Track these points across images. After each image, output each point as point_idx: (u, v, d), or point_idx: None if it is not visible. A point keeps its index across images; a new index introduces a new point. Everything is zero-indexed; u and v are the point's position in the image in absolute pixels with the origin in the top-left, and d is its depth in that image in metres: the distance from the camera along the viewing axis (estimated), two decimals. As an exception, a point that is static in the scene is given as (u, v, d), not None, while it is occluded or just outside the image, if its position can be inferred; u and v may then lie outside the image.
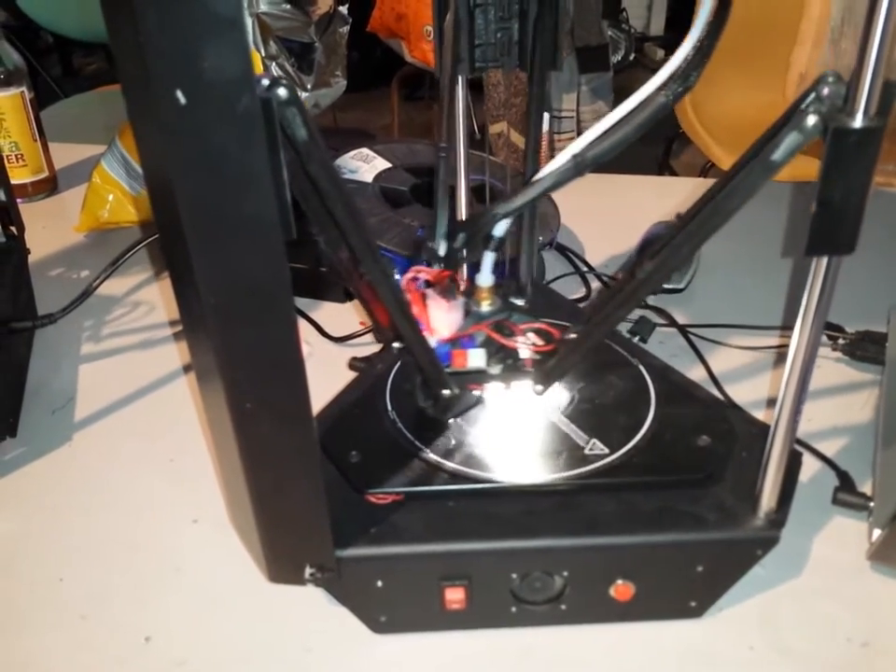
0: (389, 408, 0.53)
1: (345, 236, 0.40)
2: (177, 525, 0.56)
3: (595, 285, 0.80)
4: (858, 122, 0.34)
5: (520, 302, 0.61)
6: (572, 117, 2.52)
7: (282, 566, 0.46)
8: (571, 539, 0.45)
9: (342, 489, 0.47)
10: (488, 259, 0.51)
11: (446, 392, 0.50)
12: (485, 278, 0.52)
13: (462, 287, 0.56)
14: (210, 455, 0.61)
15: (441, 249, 0.52)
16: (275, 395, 0.37)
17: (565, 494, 0.47)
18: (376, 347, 0.70)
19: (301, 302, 0.78)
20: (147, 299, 0.81)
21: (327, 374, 0.61)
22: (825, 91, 0.35)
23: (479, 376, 0.51)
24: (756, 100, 1.76)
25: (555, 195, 0.87)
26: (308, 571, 0.45)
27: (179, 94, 0.29)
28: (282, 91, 0.32)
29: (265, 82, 0.32)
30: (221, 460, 0.48)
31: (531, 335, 0.53)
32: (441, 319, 0.51)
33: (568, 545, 0.45)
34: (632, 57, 3.55)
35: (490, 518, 0.46)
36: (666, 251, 0.41)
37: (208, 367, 0.38)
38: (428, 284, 0.52)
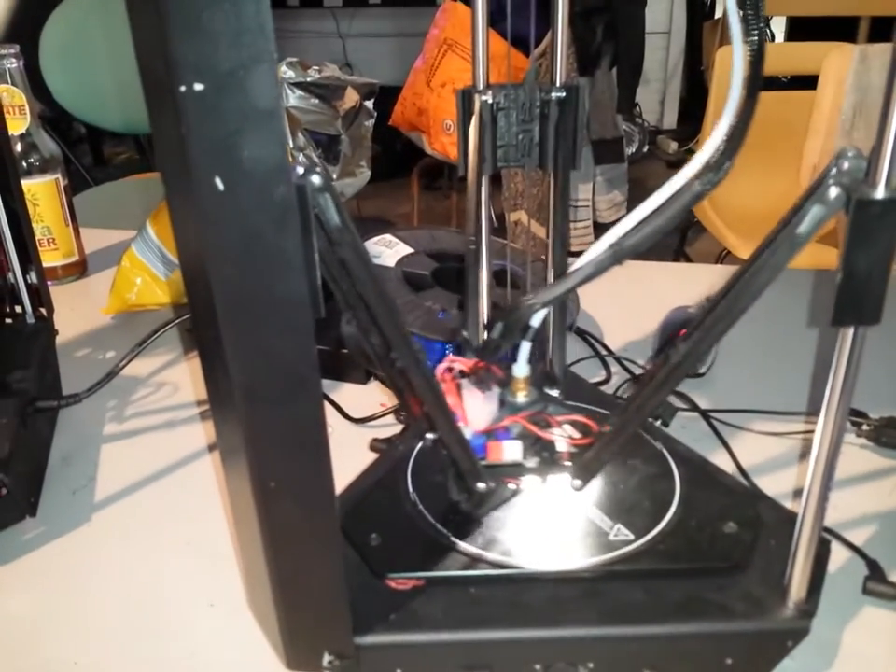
0: (410, 490, 0.52)
1: (376, 322, 0.40)
2: (194, 608, 0.55)
3: (615, 368, 0.81)
4: (880, 193, 0.34)
5: (555, 393, 0.61)
6: (588, 206, 2.58)
7: (300, 651, 0.45)
8: (596, 628, 0.44)
9: (361, 573, 0.47)
10: (525, 348, 0.50)
11: (481, 486, 0.49)
12: (521, 368, 0.51)
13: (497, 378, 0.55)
14: (228, 538, 0.61)
15: (476, 340, 0.52)
16: (299, 474, 0.37)
17: (589, 581, 0.46)
18: (397, 428, 0.70)
19: (322, 383, 0.79)
20: (171, 380, 0.82)
21: (347, 455, 0.61)
22: (845, 165, 0.36)
23: (515, 469, 0.50)
24: (770, 189, 1.80)
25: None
26: (326, 658, 0.44)
27: (218, 181, 0.30)
28: (316, 179, 0.33)
29: (300, 170, 0.33)
30: (242, 542, 0.48)
31: (567, 427, 0.52)
32: (476, 410, 0.51)
33: (593, 635, 0.44)
34: (646, 149, 3.65)
35: (512, 605, 0.45)
36: (699, 333, 0.42)
37: (233, 445, 0.38)
38: (463, 374, 0.51)
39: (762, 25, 0.37)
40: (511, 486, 0.52)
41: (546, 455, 0.51)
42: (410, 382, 0.44)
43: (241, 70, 0.29)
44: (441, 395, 0.46)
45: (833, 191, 0.36)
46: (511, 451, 0.50)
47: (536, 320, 0.48)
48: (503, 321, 0.48)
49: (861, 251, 0.35)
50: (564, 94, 0.54)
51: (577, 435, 0.52)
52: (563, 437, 0.51)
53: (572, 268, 0.46)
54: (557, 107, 0.55)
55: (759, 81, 0.39)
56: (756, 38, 0.37)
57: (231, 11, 0.28)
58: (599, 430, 0.50)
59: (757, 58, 0.38)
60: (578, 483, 0.49)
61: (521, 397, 0.52)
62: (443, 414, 0.46)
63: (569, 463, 0.50)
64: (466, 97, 0.56)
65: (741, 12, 0.36)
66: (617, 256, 0.44)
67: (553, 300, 0.47)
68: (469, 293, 0.57)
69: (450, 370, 0.51)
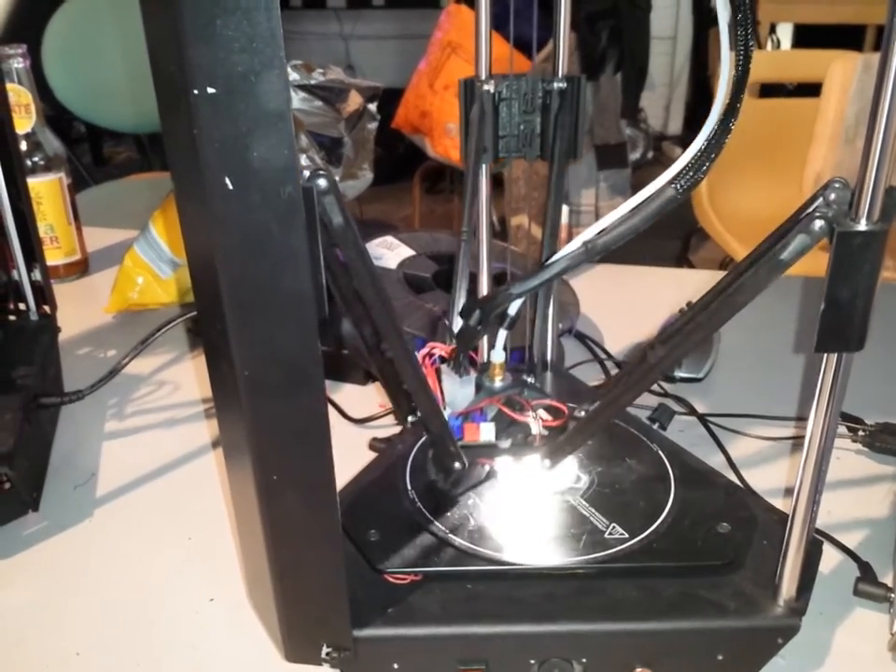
0: (409, 487, 0.53)
1: (371, 314, 0.42)
2: (194, 602, 0.56)
3: (615, 372, 0.81)
4: (862, 226, 0.35)
5: (531, 379, 0.62)
6: (591, 211, 2.59)
7: (299, 644, 0.45)
8: (590, 624, 0.45)
9: (360, 568, 0.48)
10: (501, 336, 0.52)
11: (457, 465, 0.51)
12: (498, 354, 0.53)
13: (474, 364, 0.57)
14: (228, 534, 0.61)
15: (456, 326, 0.54)
16: (301, 467, 0.38)
17: (584, 578, 0.47)
18: (396, 429, 0.71)
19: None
20: (172, 378, 0.83)
21: (347, 455, 0.61)
22: (832, 196, 0.37)
23: (489, 450, 0.52)
24: (773, 196, 1.80)
25: (575, 285, 0.90)
26: (324, 650, 0.45)
27: (228, 181, 0.31)
28: (322, 182, 0.34)
29: (307, 173, 0.34)
30: (243, 535, 0.49)
31: (541, 411, 0.54)
32: (454, 393, 0.52)
33: (587, 630, 0.45)
34: (650, 155, 3.66)
35: (509, 601, 0.46)
36: (678, 338, 0.43)
37: (237, 438, 0.39)
38: (443, 359, 0.53)
39: (750, 36, 0.38)
40: (486, 467, 0.54)
41: (519, 437, 0.52)
42: (397, 370, 0.46)
43: (252, 75, 0.30)
44: (426, 381, 0.47)
45: (818, 223, 0.37)
46: (485, 432, 0.52)
47: (513, 309, 0.50)
48: (480, 308, 0.50)
49: (843, 281, 0.37)
50: (565, 85, 0.55)
51: (550, 418, 0.53)
52: (535, 419, 0.53)
53: (549, 261, 0.47)
54: (559, 98, 0.55)
55: (742, 90, 0.40)
56: (743, 47, 0.38)
57: (243, 18, 0.29)
58: (570, 414, 0.52)
59: (743, 67, 0.39)
60: (548, 463, 0.51)
61: (497, 381, 0.54)
62: (428, 399, 0.48)
63: (540, 445, 0.52)
64: (468, 87, 0.56)
65: (733, 19, 0.38)
66: (590, 252, 0.45)
67: (530, 289, 0.49)
68: (456, 283, 0.58)
69: (430, 355, 0.53)
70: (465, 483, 0.53)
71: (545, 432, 0.52)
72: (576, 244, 0.46)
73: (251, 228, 0.32)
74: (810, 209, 0.38)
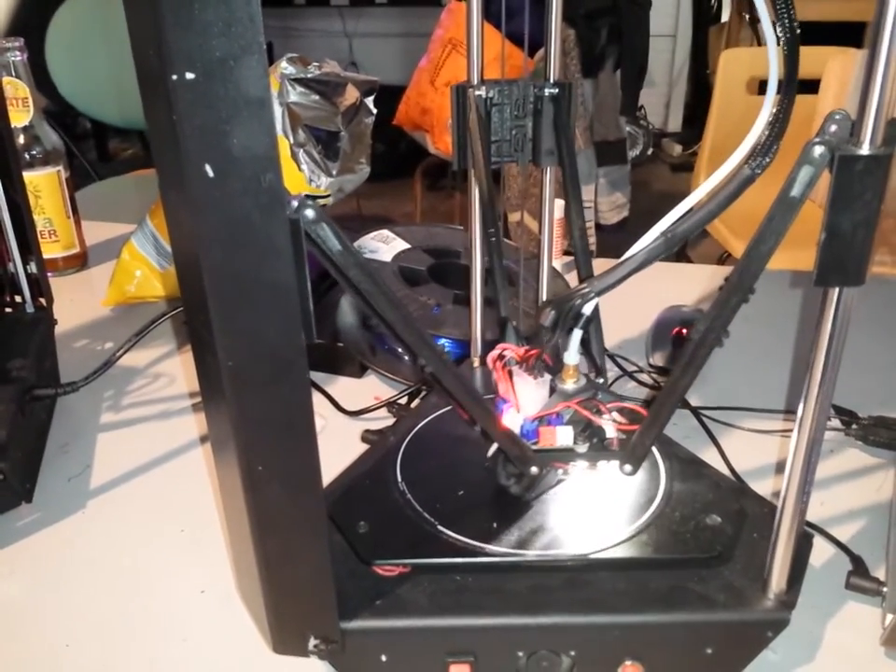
0: (399, 479, 0.53)
1: (396, 331, 0.41)
2: (186, 595, 0.56)
3: (607, 365, 0.81)
4: (864, 150, 0.35)
5: (601, 381, 0.59)
6: (590, 207, 2.59)
7: (286, 636, 0.45)
8: (579, 616, 0.45)
9: (348, 560, 0.47)
10: (576, 337, 0.50)
11: (534, 470, 0.49)
12: (572, 356, 0.51)
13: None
14: (220, 527, 0.61)
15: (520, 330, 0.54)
16: (286, 457, 0.38)
17: (572, 570, 0.47)
18: (390, 421, 0.71)
19: (317, 376, 0.80)
20: (168, 371, 0.83)
21: (340, 447, 0.62)
22: (833, 128, 0.36)
23: (565, 454, 0.50)
24: (772, 192, 1.78)
25: (570, 278, 0.89)
26: (312, 642, 0.45)
27: (208, 168, 0.31)
28: (309, 213, 0.34)
29: (294, 204, 0.34)
30: (231, 527, 0.49)
31: (616, 414, 0.52)
32: (528, 397, 0.51)
33: (576, 623, 0.45)
34: (650, 152, 3.65)
35: (497, 593, 0.46)
36: (715, 307, 0.42)
37: (223, 430, 0.39)
38: (515, 361, 0.52)
39: (790, 7, 0.38)
40: (560, 471, 0.52)
41: (596, 441, 0.50)
42: (442, 384, 0.44)
43: (231, 59, 0.30)
44: (475, 391, 0.46)
45: (818, 150, 0.36)
46: (563, 436, 0.50)
47: (588, 308, 0.48)
48: (555, 309, 0.48)
49: (844, 209, 0.36)
50: (557, 91, 0.55)
51: (626, 421, 0.51)
52: (612, 423, 0.51)
53: (624, 256, 0.46)
54: (551, 103, 0.55)
55: (796, 64, 0.39)
56: (788, 23, 0.38)
57: (221, 2, 0.29)
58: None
59: (792, 43, 0.38)
60: (629, 468, 0.49)
61: (570, 384, 0.52)
62: (481, 409, 0.46)
63: (618, 449, 0.50)
64: (460, 92, 0.56)
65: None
66: (670, 242, 0.44)
67: (608, 287, 0.47)
68: (497, 284, 0.57)
69: (501, 357, 0.51)
70: (538, 488, 0.52)
71: (622, 436, 0.50)
72: (653, 234, 0.45)
73: (232, 216, 0.32)
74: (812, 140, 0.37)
